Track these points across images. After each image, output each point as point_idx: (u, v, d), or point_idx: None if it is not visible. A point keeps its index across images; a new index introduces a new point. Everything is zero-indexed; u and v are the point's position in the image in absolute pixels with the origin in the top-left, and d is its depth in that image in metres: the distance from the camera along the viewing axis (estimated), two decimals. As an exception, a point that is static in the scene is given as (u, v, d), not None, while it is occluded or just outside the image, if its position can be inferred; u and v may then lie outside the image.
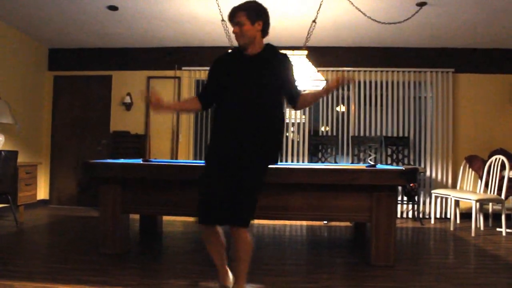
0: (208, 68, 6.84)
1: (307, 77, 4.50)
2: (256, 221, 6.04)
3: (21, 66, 6.71)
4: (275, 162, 2.83)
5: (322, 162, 6.64)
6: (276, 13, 5.31)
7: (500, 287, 3.23)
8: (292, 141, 7.09)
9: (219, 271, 2.87)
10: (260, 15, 2.73)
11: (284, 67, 2.84)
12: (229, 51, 2.92)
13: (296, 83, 2.94)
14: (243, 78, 2.74)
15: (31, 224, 5.56)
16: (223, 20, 5.01)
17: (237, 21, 2.69)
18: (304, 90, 3.09)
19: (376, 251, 3.71)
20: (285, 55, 2.87)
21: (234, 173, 2.65)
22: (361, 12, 5.00)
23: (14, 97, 6.38)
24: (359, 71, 6.92)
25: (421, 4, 5.03)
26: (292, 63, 2.91)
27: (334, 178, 3.65)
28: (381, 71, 6.88)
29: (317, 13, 4.85)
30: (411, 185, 3.63)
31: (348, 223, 5.97)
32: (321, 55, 6.78)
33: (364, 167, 3.97)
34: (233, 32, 2.73)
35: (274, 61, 2.81)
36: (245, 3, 2.75)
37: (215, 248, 2.81)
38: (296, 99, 2.94)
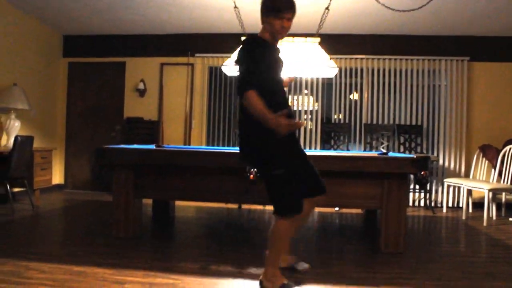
0: (220, 54, 6.83)
1: (320, 64, 4.49)
2: (267, 207, 6.09)
3: (37, 53, 6.78)
4: None
5: (335, 150, 6.63)
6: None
7: (510, 276, 3.23)
8: (305, 128, 7.09)
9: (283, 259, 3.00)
10: None
11: None
12: (258, 39, 2.77)
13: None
14: (281, 67, 2.88)
15: (46, 208, 5.67)
16: (235, 7, 5.00)
17: (290, 16, 2.68)
18: None
19: (386, 238, 3.73)
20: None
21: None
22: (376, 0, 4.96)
23: (29, 84, 6.46)
24: (372, 58, 6.87)
25: (436, -9, 4.97)
26: None
27: (345, 165, 3.65)
28: (395, 59, 6.81)
29: (330, 0, 4.81)
30: (422, 173, 3.61)
31: (359, 210, 5.98)
32: (335, 43, 6.74)
33: (376, 155, 3.97)
34: (285, 26, 2.66)
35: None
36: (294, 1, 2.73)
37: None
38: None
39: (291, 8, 2.66)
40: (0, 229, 4.37)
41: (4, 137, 5.88)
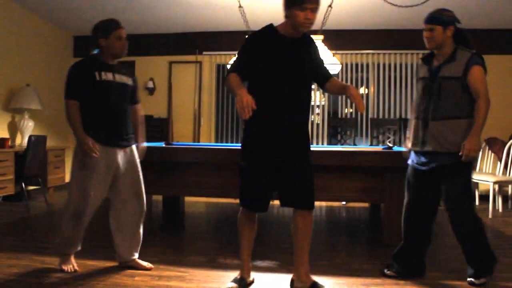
0: (227, 52, 6.93)
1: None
2: (276, 202, 6.18)
3: (48, 53, 6.95)
4: None
5: (341, 144, 6.71)
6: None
7: (510, 267, 3.30)
8: (312, 123, 7.17)
9: (244, 263, 2.83)
10: None
11: (314, 49, 2.78)
12: (263, 28, 2.70)
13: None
14: (287, 59, 2.63)
15: (60, 205, 5.83)
16: (240, 6, 5.09)
17: (314, 7, 2.53)
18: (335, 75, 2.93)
19: (389, 231, 3.82)
20: (309, 36, 2.79)
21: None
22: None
23: (41, 84, 6.63)
24: (378, 53, 6.93)
25: (439, -14, 5.00)
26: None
27: (344, 160, 3.74)
28: (401, 54, 6.86)
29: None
30: None
31: (366, 204, 6.06)
32: (340, 38, 6.81)
33: (381, 149, 4.05)
34: (309, 17, 2.52)
35: (307, 44, 2.74)
36: None
37: (250, 235, 2.84)
38: (327, 79, 2.83)
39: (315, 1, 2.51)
40: (17, 226, 4.54)
41: (19, 136, 6.05)
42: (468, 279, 2.85)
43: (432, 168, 2.82)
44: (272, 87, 2.61)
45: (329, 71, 2.87)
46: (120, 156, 3.01)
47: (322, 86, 2.85)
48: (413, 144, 2.94)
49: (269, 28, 2.68)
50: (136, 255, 3.14)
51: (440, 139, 2.76)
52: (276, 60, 2.60)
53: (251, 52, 2.63)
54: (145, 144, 3.36)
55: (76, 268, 3.01)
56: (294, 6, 2.50)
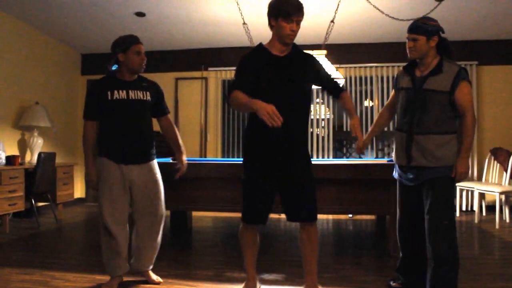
0: (232, 68, 7.02)
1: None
2: (282, 215, 6.21)
3: (56, 71, 7.08)
4: None
5: (347, 157, 6.75)
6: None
7: (516, 276, 3.32)
8: (317, 136, 7.23)
9: (249, 276, 2.89)
10: None
11: (315, 66, 2.82)
12: (254, 48, 2.79)
13: (333, 77, 2.94)
14: (282, 77, 2.68)
15: (69, 221, 5.91)
16: (244, 23, 5.19)
17: (299, 19, 2.59)
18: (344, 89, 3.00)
19: (394, 243, 3.83)
20: (309, 54, 2.84)
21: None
22: (379, 10, 5.10)
23: (50, 102, 6.74)
24: (381, 66, 7.00)
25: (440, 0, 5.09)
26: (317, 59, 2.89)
27: (349, 173, 3.79)
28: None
29: (335, 13, 4.97)
30: None
31: (372, 217, 6.07)
32: (343, 52, 6.90)
33: (385, 162, 4.09)
34: (293, 30, 2.59)
35: (304, 61, 2.77)
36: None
37: (254, 247, 2.90)
38: (338, 91, 2.88)
39: (300, 11, 2.58)
40: (28, 241, 4.61)
41: (28, 153, 6.15)
42: None
43: (419, 183, 2.77)
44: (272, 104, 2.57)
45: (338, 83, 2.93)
46: (136, 173, 3.03)
47: (337, 98, 2.91)
48: (398, 157, 2.86)
49: (260, 48, 2.75)
50: (150, 267, 3.19)
51: (426, 154, 2.68)
52: (272, 80, 2.65)
53: (248, 70, 2.68)
54: (185, 159, 3.30)
55: None
56: (280, 18, 2.57)
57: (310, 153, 2.96)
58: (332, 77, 2.92)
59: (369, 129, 3.27)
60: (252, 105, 2.42)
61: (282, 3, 2.57)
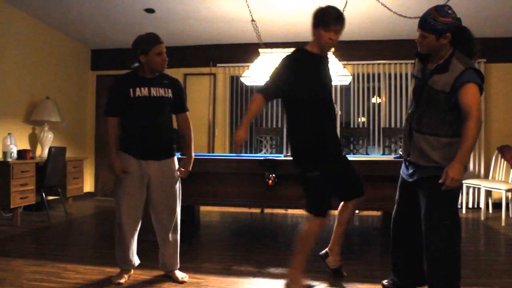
0: (241, 64, 7.07)
1: (334, 73, 4.66)
2: (289, 211, 6.27)
3: (67, 67, 7.16)
4: None
5: (354, 154, 6.77)
6: (303, 10, 5.50)
7: (520, 273, 3.34)
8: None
9: (301, 271, 2.96)
10: None
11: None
12: (296, 51, 2.96)
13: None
14: (326, 77, 2.98)
15: (79, 214, 6.00)
16: (253, 20, 5.23)
17: (338, 29, 2.78)
18: None
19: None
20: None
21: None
22: (387, 7, 5.11)
23: (60, 97, 6.83)
24: (389, 63, 7.01)
25: (448, -3, 5.09)
26: None
27: (362, 169, 3.82)
28: (412, 63, 6.91)
29: (343, 10, 4.97)
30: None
31: (378, 213, 6.10)
32: (351, 49, 6.91)
33: (392, 158, 4.12)
34: (332, 38, 2.77)
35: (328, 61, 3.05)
36: (342, 12, 2.81)
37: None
38: None
39: (339, 21, 2.75)
40: (39, 234, 4.70)
41: (39, 148, 6.24)
42: None
43: (415, 180, 2.62)
44: (321, 102, 2.93)
45: (339, 82, 3.17)
46: (154, 169, 3.06)
47: None
48: (402, 149, 2.81)
49: (303, 51, 2.92)
50: (175, 266, 3.21)
51: (421, 152, 2.54)
52: (319, 79, 2.92)
53: (289, 72, 2.86)
54: (193, 155, 3.31)
55: (122, 282, 3.06)
56: (320, 27, 2.77)
57: None
58: None
59: None
60: (244, 118, 2.98)
61: (323, 14, 2.77)
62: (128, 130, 3.08)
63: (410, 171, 2.66)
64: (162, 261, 3.21)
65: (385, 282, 3.01)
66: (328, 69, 3.00)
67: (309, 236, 2.92)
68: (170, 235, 3.20)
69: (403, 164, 2.81)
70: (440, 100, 2.46)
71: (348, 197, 3.13)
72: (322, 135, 2.91)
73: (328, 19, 2.72)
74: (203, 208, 6.27)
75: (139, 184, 3.05)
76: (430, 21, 2.44)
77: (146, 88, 3.02)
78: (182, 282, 3.11)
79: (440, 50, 2.50)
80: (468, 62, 2.42)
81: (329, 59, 3.04)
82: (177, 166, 3.22)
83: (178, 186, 3.22)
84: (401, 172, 2.85)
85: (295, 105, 2.94)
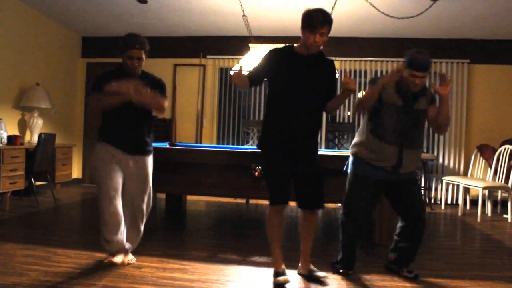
0: (230, 56, 7.15)
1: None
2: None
3: (57, 54, 7.19)
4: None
5: (338, 149, 6.94)
6: (293, 6, 5.62)
7: (492, 267, 3.53)
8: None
9: (278, 257, 3.08)
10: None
11: (333, 72, 3.09)
12: (282, 47, 3.08)
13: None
14: (302, 75, 2.96)
15: (67, 200, 6.08)
16: (244, 15, 5.33)
17: (323, 32, 2.83)
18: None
19: (380, 231, 4.06)
20: (332, 60, 3.10)
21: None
22: (375, 7, 5.25)
23: (50, 83, 6.86)
24: (375, 61, 7.16)
25: (434, -1, 5.25)
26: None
27: (339, 164, 3.96)
28: (397, 61, 7.09)
29: (332, 9, 5.11)
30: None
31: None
32: (339, 45, 7.05)
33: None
34: (316, 40, 2.83)
35: (325, 64, 3.05)
36: (329, 15, 2.87)
37: (281, 230, 3.11)
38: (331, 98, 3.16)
39: (324, 24, 2.81)
40: (27, 219, 4.78)
41: (28, 134, 6.28)
42: (408, 274, 3.20)
43: (400, 180, 3.12)
44: (289, 99, 2.98)
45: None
46: (130, 164, 3.22)
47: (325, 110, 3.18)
48: (383, 162, 3.04)
49: (289, 47, 3.06)
50: (129, 246, 3.32)
51: (415, 162, 3.10)
52: (292, 75, 2.96)
53: (268, 64, 3.01)
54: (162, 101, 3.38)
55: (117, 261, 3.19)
56: (306, 29, 2.87)
57: None
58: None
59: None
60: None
61: (310, 17, 2.85)
62: (108, 124, 3.25)
63: (393, 175, 3.08)
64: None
65: (339, 269, 3.29)
66: (316, 69, 2.99)
67: (268, 225, 3.10)
68: (134, 230, 3.35)
69: (370, 169, 3.10)
70: (423, 117, 3.11)
71: (301, 204, 3.14)
72: (280, 130, 3.00)
73: (313, 23, 2.81)
74: (190, 197, 6.39)
75: (118, 166, 3.19)
76: (430, 63, 3.03)
77: None
78: (127, 264, 3.23)
79: None
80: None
81: (330, 65, 3.05)
82: (151, 165, 3.38)
83: (150, 185, 3.36)
84: (362, 174, 3.15)
85: (268, 96, 3.10)
